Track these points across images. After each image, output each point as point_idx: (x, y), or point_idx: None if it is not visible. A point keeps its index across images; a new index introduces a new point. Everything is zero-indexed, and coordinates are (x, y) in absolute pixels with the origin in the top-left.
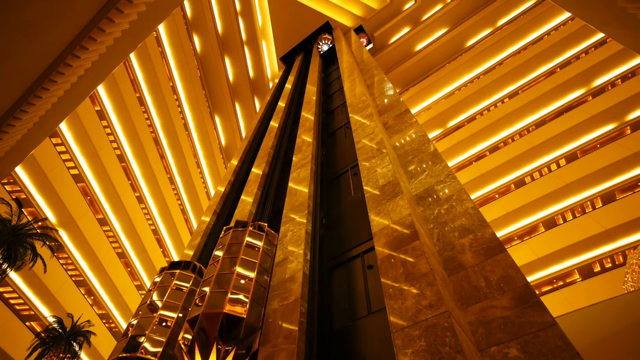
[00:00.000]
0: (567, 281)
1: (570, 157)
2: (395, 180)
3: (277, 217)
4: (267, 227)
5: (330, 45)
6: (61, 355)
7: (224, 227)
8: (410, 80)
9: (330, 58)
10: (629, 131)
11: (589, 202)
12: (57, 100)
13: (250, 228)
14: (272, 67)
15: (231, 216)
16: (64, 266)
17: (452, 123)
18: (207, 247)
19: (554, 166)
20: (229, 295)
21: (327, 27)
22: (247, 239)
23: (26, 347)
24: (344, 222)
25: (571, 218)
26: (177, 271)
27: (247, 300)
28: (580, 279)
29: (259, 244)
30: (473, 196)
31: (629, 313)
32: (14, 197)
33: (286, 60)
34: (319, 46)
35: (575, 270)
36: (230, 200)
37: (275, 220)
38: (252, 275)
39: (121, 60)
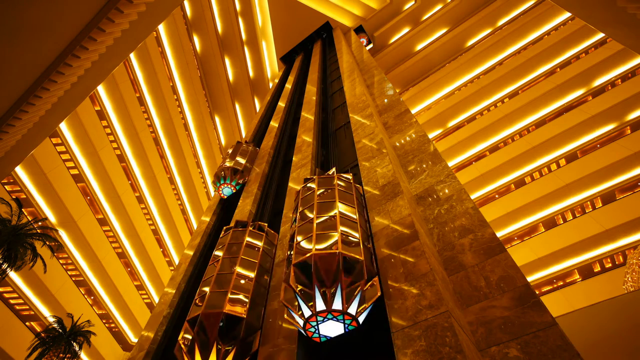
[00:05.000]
0: (567, 281)
1: (570, 157)
2: (395, 180)
3: (277, 217)
4: (267, 227)
5: (329, 33)
6: (61, 355)
7: (224, 227)
8: (410, 80)
9: (330, 58)
10: (629, 131)
11: (589, 202)
12: (57, 100)
13: (250, 228)
14: (272, 67)
15: (231, 216)
16: (64, 266)
17: (452, 123)
18: (207, 247)
19: (554, 166)
20: (229, 295)
21: (327, 27)
22: (247, 239)
23: (26, 347)
24: None
25: (571, 218)
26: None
27: (247, 300)
28: (580, 279)
29: (259, 244)
30: (473, 196)
31: (629, 313)
32: (14, 197)
33: (286, 60)
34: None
35: (575, 270)
36: (230, 200)
37: (275, 220)
38: (252, 275)
39: (121, 60)
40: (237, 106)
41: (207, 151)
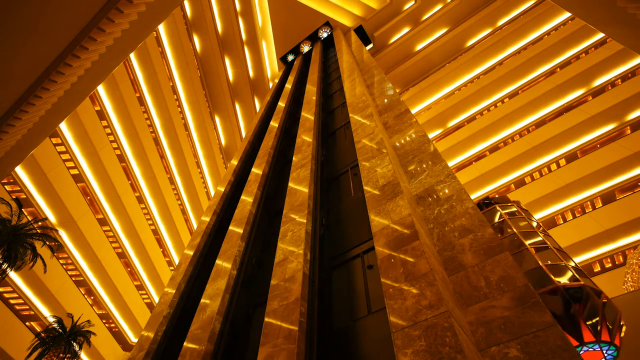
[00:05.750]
0: None
1: (570, 157)
2: (395, 180)
3: (277, 217)
4: None
5: (329, 33)
6: (61, 355)
7: None
8: (410, 80)
9: (330, 58)
10: (629, 131)
11: (589, 202)
12: (57, 100)
13: None
14: (272, 67)
15: (231, 216)
16: (64, 266)
17: (452, 123)
18: (207, 247)
19: (554, 166)
20: None
21: (327, 27)
22: None
23: (26, 347)
24: (344, 222)
25: (571, 218)
26: None
27: None
28: None
29: None
30: (473, 196)
31: (629, 313)
32: (14, 197)
33: (286, 60)
34: (320, 34)
35: None
36: (230, 200)
37: (276, 220)
38: None
39: (121, 60)
40: (237, 106)
41: (207, 151)
